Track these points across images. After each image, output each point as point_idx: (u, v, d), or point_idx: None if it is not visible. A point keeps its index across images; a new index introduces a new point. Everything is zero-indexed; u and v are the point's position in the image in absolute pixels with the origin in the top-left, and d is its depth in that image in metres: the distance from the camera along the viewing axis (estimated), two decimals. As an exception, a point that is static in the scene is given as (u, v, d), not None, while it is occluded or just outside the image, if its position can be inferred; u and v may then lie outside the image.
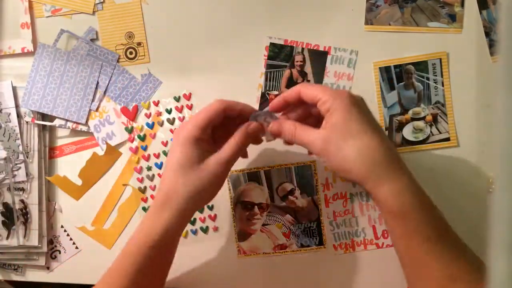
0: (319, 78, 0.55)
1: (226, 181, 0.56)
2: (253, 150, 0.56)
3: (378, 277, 0.55)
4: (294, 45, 0.55)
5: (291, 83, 0.55)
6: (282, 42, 0.55)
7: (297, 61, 0.55)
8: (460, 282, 0.41)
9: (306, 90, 0.45)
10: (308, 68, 0.55)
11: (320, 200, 0.56)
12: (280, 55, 0.55)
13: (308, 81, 0.55)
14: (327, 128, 0.43)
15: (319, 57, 0.55)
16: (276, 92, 0.55)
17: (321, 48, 0.55)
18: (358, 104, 0.43)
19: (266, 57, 0.55)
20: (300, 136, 0.45)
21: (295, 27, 0.55)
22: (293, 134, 0.46)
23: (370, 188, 0.43)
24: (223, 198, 0.56)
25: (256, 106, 0.56)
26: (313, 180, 0.55)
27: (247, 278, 0.57)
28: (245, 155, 0.52)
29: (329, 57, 0.55)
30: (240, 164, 0.56)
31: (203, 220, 0.57)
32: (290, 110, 0.49)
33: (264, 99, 0.56)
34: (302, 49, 0.55)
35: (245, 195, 0.56)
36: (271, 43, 0.55)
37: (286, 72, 0.55)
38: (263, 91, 0.56)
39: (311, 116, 0.48)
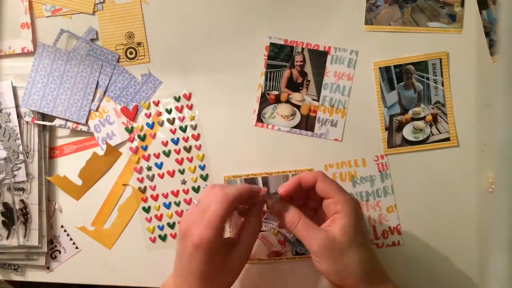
0: (319, 78, 0.55)
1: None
2: (250, 156, 0.56)
3: (378, 277, 0.55)
4: (294, 45, 0.55)
5: (291, 83, 0.55)
6: (282, 42, 0.55)
7: (297, 61, 0.55)
8: None
9: (322, 184, 0.45)
10: (308, 68, 0.55)
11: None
12: (280, 55, 0.55)
13: (308, 81, 0.55)
14: (333, 230, 0.43)
15: (319, 57, 0.55)
16: (276, 92, 0.55)
17: (321, 48, 0.55)
18: (362, 216, 0.45)
19: (266, 57, 0.55)
20: (301, 230, 0.44)
21: (295, 27, 0.55)
22: (295, 225, 0.45)
23: None
24: (223, 198, 0.57)
25: (256, 106, 0.56)
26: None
27: (242, 285, 0.56)
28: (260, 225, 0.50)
29: (329, 57, 0.55)
30: (238, 170, 0.56)
31: (203, 220, 0.57)
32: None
33: (264, 99, 0.56)
34: (302, 49, 0.55)
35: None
36: (271, 43, 0.55)
37: (286, 72, 0.55)
38: (263, 91, 0.56)
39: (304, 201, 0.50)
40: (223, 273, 0.44)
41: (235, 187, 0.45)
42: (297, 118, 0.55)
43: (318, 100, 0.55)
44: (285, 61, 0.55)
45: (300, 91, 0.55)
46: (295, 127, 0.55)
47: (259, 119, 0.56)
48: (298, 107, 0.55)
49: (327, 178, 0.46)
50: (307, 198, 0.50)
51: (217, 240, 0.42)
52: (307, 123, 0.55)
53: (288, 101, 0.55)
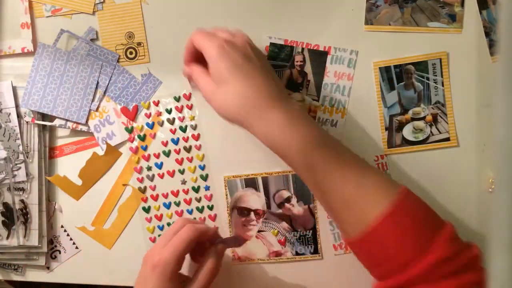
0: (319, 78, 0.55)
1: (223, 186, 0.56)
2: (251, 155, 0.56)
3: (378, 277, 0.55)
4: (294, 45, 0.55)
5: (291, 83, 0.55)
6: (282, 42, 0.55)
7: (297, 61, 0.55)
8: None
9: (195, 40, 0.49)
10: (308, 68, 0.55)
11: (316, 208, 0.56)
12: (280, 55, 0.55)
13: (308, 81, 0.55)
14: (210, 75, 0.47)
15: (319, 57, 0.55)
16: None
17: (321, 48, 0.55)
18: (227, 53, 0.46)
19: (266, 57, 0.55)
20: (196, 80, 0.50)
21: (295, 27, 0.55)
22: (193, 75, 0.51)
23: (250, 131, 0.46)
24: (219, 204, 0.57)
25: None
26: (310, 188, 0.56)
27: (242, 284, 0.56)
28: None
29: (329, 57, 0.55)
30: (238, 170, 0.56)
31: (203, 220, 0.57)
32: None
33: None
34: (302, 49, 0.55)
35: (242, 201, 0.56)
36: (271, 43, 0.55)
37: (286, 72, 0.55)
38: None
39: None
40: None
41: (201, 226, 0.50)
42: None
43: (318, 100, 0.55)
44: (285, 61, 0.55)
45: (300, 91, 0.55)
46: None
47: None
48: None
49: (196, 34, 0.49)
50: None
51: (174, 266, 0.46)
52: None
53: None
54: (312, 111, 0.55)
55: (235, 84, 0.45)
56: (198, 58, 0.50)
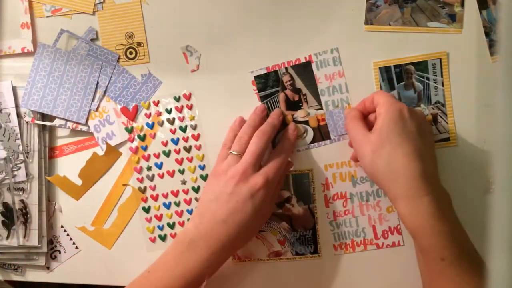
0: (313, 88, 0.55)
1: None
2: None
3: (378, 277, 0.55)
4: (277, 68, 0.55)
5: (289, 103, 0.55)
6: (264, 71, 0.55)
7: (286, 82, 0.55)
8: None
9: (375, 95, 0.50)
10: (299, 84, 0.55)
11: (316, 208, 0.56)
12: (268, 83, 0.55)
13: (305, 95, 0.55)
14: (373, 131, 0.47)
15: (304, 69, 0.55)
16: (280, 118, 0.55)
17: (303, 60, 0.55)
18: (404, 118, 0.46)
19: (256, 91, 0.55)
20: (349, 121, 0.50)
21: (269, 51, 0.55)
22: (348, 115, 0.51)
23: (390, 199, 0.45)
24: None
25: None
26: (310, 188, 0.55)
27: (242, 284, 0.56)
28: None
29: (313, 65, 0.55)
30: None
31: (203, 220, 0.57)
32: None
33: None
34: (286, 68, 0.55)
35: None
36: (255, 77, 0.55)
37: (281, 96, 0.55)
38: None
39: None
40: (269, 204, 0.50)
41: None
42: (310, 133, 0.55)
43: (321, 108, 0.55)
44: (275, 86, 0.55)
45: (302, 108, 0.55)
46: (311, 142, 0.55)
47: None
48: (307, 122, 0.55)
49: (380, 92, 0.50)
50: None
51: (275, 186, 0.50)
52: (321, 134, 0.55)
53: (294, 121, 0.55)
54: (321, 120, 0.55)
55: (397, 152, 0.44)
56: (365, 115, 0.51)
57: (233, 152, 0.50)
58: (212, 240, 0.46)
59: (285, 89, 0.55)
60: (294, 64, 0.55)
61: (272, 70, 0.55)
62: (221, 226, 0.46)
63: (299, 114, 0.55)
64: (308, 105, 0.55)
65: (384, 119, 0.46)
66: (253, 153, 0.49)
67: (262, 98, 0.55)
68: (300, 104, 0.55)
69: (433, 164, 0.47)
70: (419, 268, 0.49)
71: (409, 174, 0.44)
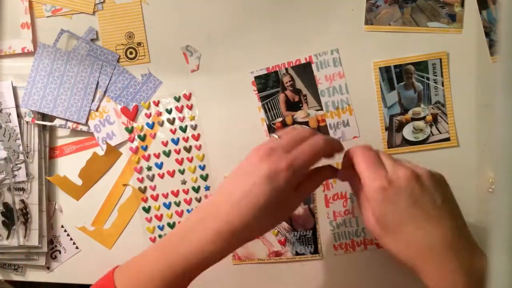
0: (313, 89, 0.55)
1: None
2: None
3: (378, 277, 0.55)
4: (277, 69, 0.55)
5: (289, 104, 0.55)
6: (265, 72, 0.55)
7: (286, 82, 0.55)
8: None
9: (356, 160, 0.43)
10: (299, 84, 0.55)
11: (316, 208, 0.56)
12: (268, 84, 0.55)
13: (305, 96, 0.55)
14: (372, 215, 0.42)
15: (305, 70, 0.55)
16: (280, 119, 0.55)
17: (303, 61, 0.55)
18: (391, 198, 0.40)
19: (257, 91, 0.55)
20: (359, 202, 0.44)
21: (270, 52, 0.55)
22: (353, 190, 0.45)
23: (418, 275, 0.41)
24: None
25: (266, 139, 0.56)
26: (310, 188, 0.55)
27: (242, 284, 0.56)
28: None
29: (313, 65, 0.55)
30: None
31: (203, 220, 0.57)
32: None
33: (272, 130, 0.56)
34: (286, 69, 0.55)
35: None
36: (255, 77, 0.55)
37: (281, 97, 0.55)
38: (267, 123, 0.56)
39: None
40: (282, 208, 0.41)
41: (325, 140, 0.43)
42: None
43: (321, 109, 0.55)
44: (275, 87, 0.55)
45: (302, 108, 0.55)
46: None
47: None
48: (307, 123, 0.55)
49: (358, 153, 0.43)
50: None
51: (300, 173, 0.41)
52: None
53: (294, 122, 0.55)
54: (321, 120, 0.55)
55: (403, 235, 0.40)
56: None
57: (275, 135, 0.43)
58: (221, 221, 0.40)
59: (285, 89, 0.55)
60: (294, 64, 0.55)
61: (273, 70, 0.55)
62: (235, 208, 0.40)
63: (299, 115, 0.55)
64: (308, 106, 0.55)
65: (374, 206, 0.41)
66: (293, 141, 0.42)
67: (262, 99, 0.55)
68: (300, 105, 0.55)
69: (451, 222, 0.41)
70: None
71: (427, 246, 0.40)
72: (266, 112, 0.56)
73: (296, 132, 0.43)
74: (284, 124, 0.55)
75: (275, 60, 0.55)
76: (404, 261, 0.41)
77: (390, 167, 0.42)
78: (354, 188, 0.46)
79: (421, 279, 0.41)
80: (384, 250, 0.55)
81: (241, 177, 0.41)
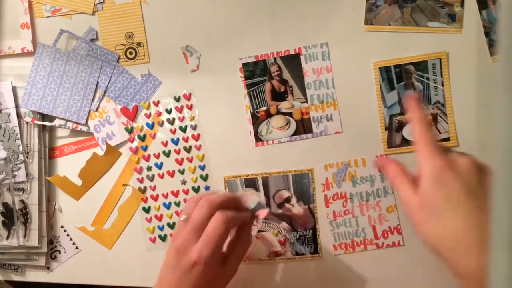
0: (300, 80, 0.55)
1: (223, 186, 0.56)
2: (251, 156, 0.56)
3: (378, 277, 0.55)
4: (266, 58, 0.55)
5: (275, 94, 0.55)
6: (253, 59, 0.55)
7: (274, 72, 0.55)
8: None
9: (417, 142, 0.42)
10: (286, 75, 0.55)
11: (316, 208, 0.56)
12: (255, 71, 0.55)
13: (291, 87, 0.55)
14: (418, 194, 0.41)
15: (293, 61, 0.55)
16: (264, 108, 0.55)
17: (292, 52, 0.55)
18: (446, 181, 0.39)
19: (243, 78, 0.55)
20: (394, 184, 0.44)
21: (257, 40, 0.55)
22: (388, 176, 0.44)
23: (444, 262, 0.41)
24: (223, 198, 0.56)
25: (250, 127, 0.56)
26: (310, 188, 0.55)
27: (242, 284, 0.56)
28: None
29: (302, 57, 0.55)
30: (238, 170, 0.56)
31: (203, 220, 0.57)
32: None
33: (256, 118, 0.56)
34: (275, 58, 0.55)
35: (242, 201, 0.56)
36: (243, 64, 0.55)
37: (267, 85, 0.55)
38: (251, 111, 0.56)
39: None
40: (215, 285, 0.46)
41: (218, 194, 0.46)
42: (293, 125, 0.55)
43: (306, 101, 0.55)
44: (262, 75, 0.55)
45: (287, 99, 0.55)
46: (293, 134, 0.55)
47: (258, 138, 0.56)
48: (290, 114, 0.55)
49: (419, 137, 0.42)
50: None
51: (216, 261, 0.44)
52: (304, 127, 0.55)
53: (278, 112, 0.55)
54: (305, 113, 0.55)
55: (448, 220, 0.39)
56: None
57: (181, 218, 0.46)
58: None
59: (272, 79, 0.55)
60: (283, 55, 0.55)
61: (261, 59, 0.55)
62: None
63: (284, 106, 0.55)
64: (294, 97, 0.55)
65: (425, 186, 0.40)
66: (196, 228, 0.45)
67: (248, 86, 0.55)
68: (286, 96, 0.55)
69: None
70: None
71: (469, 237, 0.39)
72: (251, 99, 0.56)
73: (196, 216, 0.45)
74: (268, 114, 0.55)
75: (264, 48, 0.55)
76: (435, 246, 0.40)
77: (451, 152, 0.42)
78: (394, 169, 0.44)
79: (447, 267, 0.40)
80: (386, 249, 0.55)
81: (169, 270, 0.45)
